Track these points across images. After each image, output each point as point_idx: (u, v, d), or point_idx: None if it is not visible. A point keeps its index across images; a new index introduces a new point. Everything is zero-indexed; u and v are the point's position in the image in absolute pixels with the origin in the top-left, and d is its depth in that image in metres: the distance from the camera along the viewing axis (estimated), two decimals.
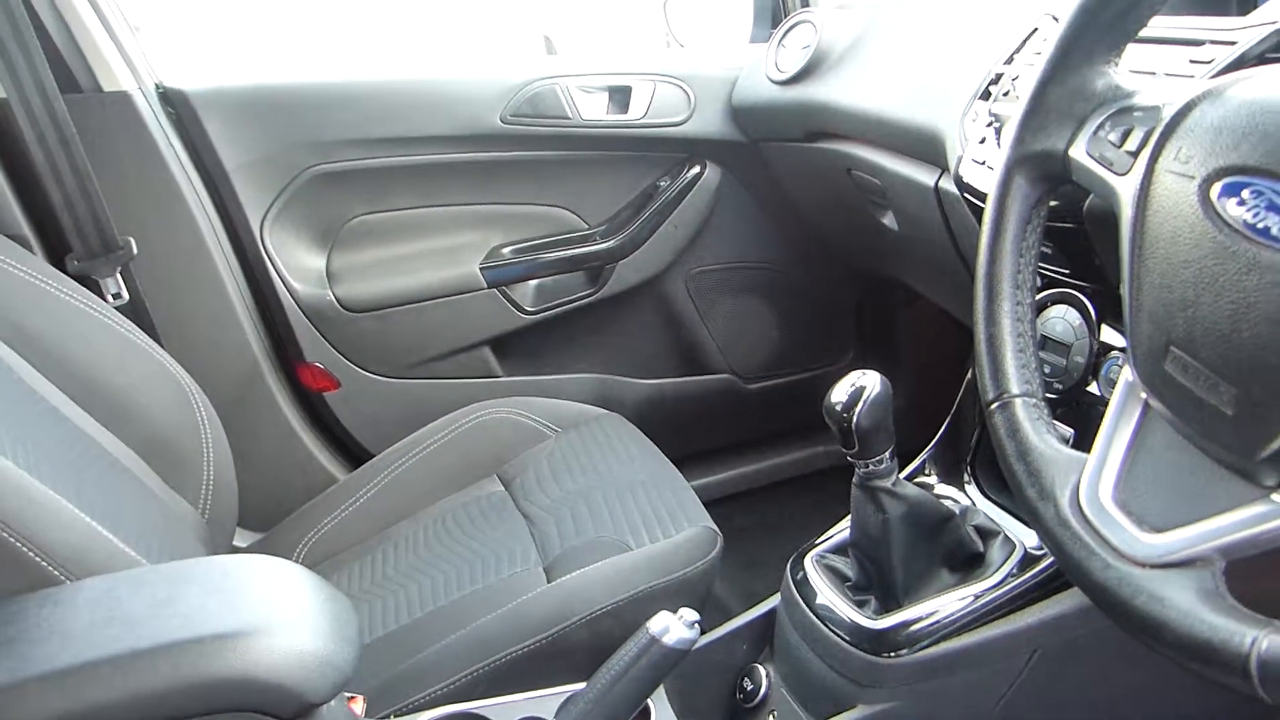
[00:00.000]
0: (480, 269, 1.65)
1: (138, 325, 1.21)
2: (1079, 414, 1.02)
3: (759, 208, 1.76)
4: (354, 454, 1.69)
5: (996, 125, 1.05)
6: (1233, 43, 0.87)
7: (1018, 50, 1.14)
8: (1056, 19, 1.11)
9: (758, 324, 1.85)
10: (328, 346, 1.63)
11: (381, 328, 1.63)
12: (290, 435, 1.65)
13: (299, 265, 1.60)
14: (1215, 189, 0.54)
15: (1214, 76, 0.85)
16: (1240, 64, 0.86)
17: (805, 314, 1.87)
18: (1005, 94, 1.08)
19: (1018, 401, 0.67)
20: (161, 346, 1.22)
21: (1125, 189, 0.61)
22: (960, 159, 1.10)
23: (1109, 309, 0.99)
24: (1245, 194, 0.52)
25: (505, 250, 1.68)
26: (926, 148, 1.25)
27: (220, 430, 1.22)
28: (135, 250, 1.39)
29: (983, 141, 1.07)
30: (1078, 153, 0.66)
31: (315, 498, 1.37)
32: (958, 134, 1.14)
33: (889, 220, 1.48)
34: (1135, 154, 0.61)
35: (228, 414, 1.25)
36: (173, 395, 1.19)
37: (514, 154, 1.63)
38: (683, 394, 1.84)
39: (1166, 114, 0.59)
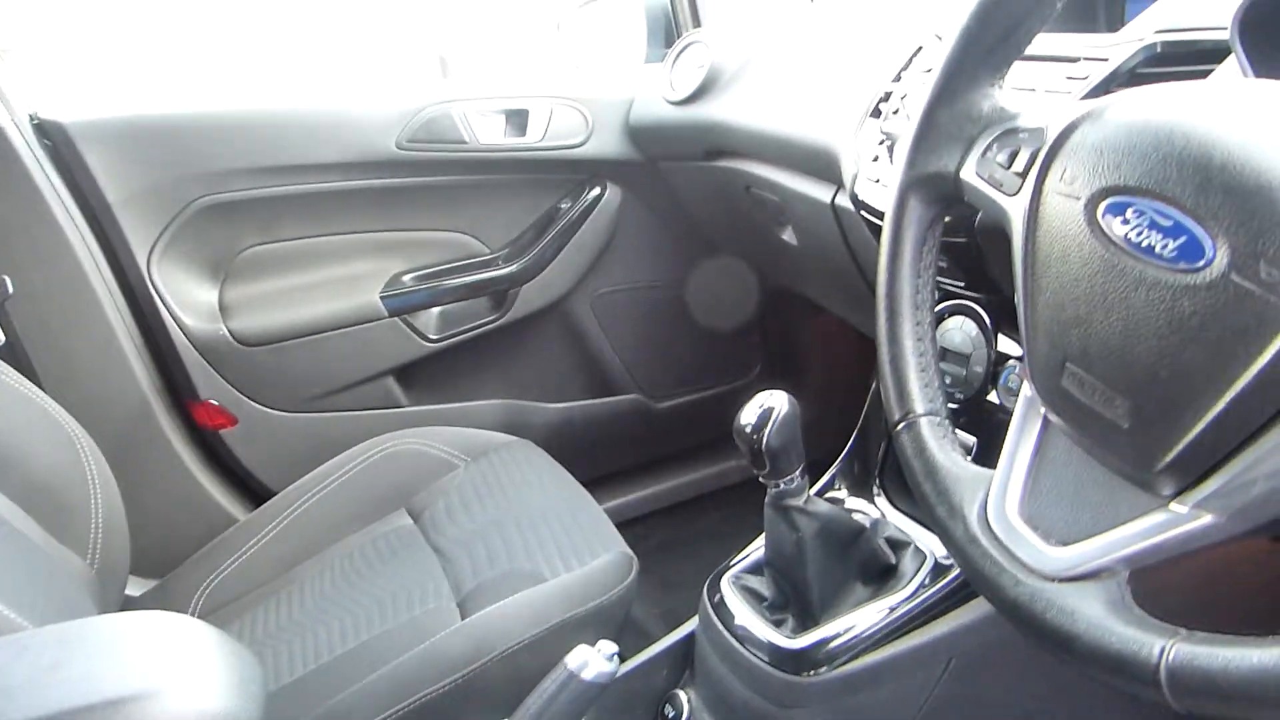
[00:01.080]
0: (380, 298, 1.61)
1: (15, 368, 1.14)
2: (980, 422, 1.04)
3: (660, 226, 1.76)
4: (254, 492, 1.63)
5: (889, 143, 1.07)
6: (1105, 59, 0.91)
7: (904, 68, 1.17)
8: (941, 38, 1.14)
9: (664, 342, 1.85)
10: (223, 382, 1.57)
11: (279, 361, 1.58)
12: (185, 476, 1.58)
13: (190, 299, 1.54)
14: (1100, 208, 0.55)
15: (1090, 93, 0.89)
16: (1114, 79, 0.89)
17: (710, 331, 1.89)
18: (895, 112, 1.10)
19: (922, 421, 0.68)
20: (42, 389, 1.16)
21: (1015, 210, 0.62)
22: (855, 177, 1.12)
23: (1004, 319, 1.01)
24: (1129, 213, 0.53)
25: (406, 278, 1.64)
26: (821, 165, 1.26)
27: (109, 475, 1.16)
28: (10, 289, 1.32)
29: (876, 159, 1.09)
30: (968, 174, 0.67)
31: (214, 540, 1.32)
32: (851, 152, 1.16)
33: (789, 235, 1.50)
34: (1023, 175, 0.62)
35: (117, 458, 1.19)
36: (55, 441, 1.13)
37: (411, 180, 1.60)
38: (592, 416, 1.83)
39: (1050, 135, 0.61)
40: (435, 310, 1.67)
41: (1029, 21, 0.65)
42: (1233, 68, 0.79)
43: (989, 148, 0.66)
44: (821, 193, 1.30)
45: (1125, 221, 0.54)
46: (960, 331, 1.05)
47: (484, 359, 1.73)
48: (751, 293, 1.86)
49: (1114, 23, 1.04)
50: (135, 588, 1.45)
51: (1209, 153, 0.51)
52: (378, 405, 1.67)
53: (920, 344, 0.71)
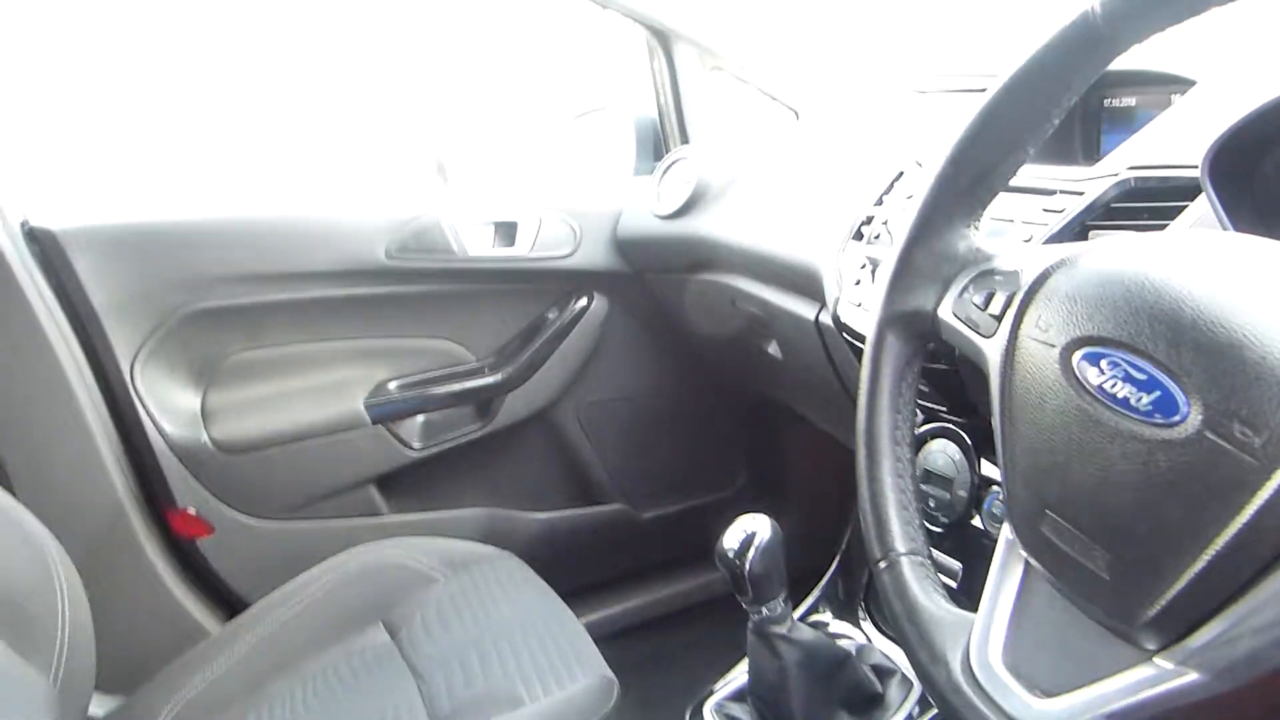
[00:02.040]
0: (365, 405, 1.61)
1: None
2: (964, 547, 1.04)
3: (646, 337, 1.77)
4: (229, 603, 1.59)
5: (870, 267, 1.08)
6: (1081, 193, 0.93)
7: (886, 192, 1.19)
8: (921, 165, 1.17)
9: (649, 453, 1.84)
10: (202, 490, 1.55)
11: (260, 468, 1.57)
12: (158, 586, 1.55)
13: (172, 406, 1.53)
14: (1075, 357, 0.55)
15: (1066, 226, 0.91)
16: (1090, 213, 0.91)
17: (695, 441, 1.88)
18: (877, 236, 1.12)
19: (904, 560, 0.67)
20: (14, 495, 1.14)
21: (992, 352, 0.62)
22: (838, 299, 1.13)
23: (986, 443, 1.01)
24: (1103, 364, 0.54)
25: (391, 385, 1.64)
26: (805, 283, 1.28)
27: (79, 587, 1.13)
28: None
29: (858, 283, 1.10)
30: (945, 313, 0.67)
31: (185, 654, 1.28)
32: (834, 273, 1.17)
33: (773, 349, 1.50)
34: (999, 318, 0.63)
35: (89, 567, 1.16)
36: (23, 550, 1.10)
37: (399, 289, 1.61)
38: (576, 526, 1.81)
39: (1025, 280, 0.62)
40: (419, 418, 1.66)
41: (1002, 167, 0.66)
42: (1203, 205, 0.81)
43: (965, 288, 0.66)
44: (806, 310, 1.31)
45: (1100, 372, 0.54)
46: (943, 454, 1.05)
47: (468, 467, 1.72)
48: (736, 404, 1.86)
49: (1090, 154, 1.07)
50: (99, 706, 1.41)
51: (1179, 308, 0.51)
52: (358, 513, 1.65)
53: (900, 480, 0.70)
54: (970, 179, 0.67)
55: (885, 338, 0.71)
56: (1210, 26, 0.71)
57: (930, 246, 0.69)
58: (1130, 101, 1.05)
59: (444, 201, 1.62)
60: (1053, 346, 0.57)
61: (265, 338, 1.57)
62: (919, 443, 1.07)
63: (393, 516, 1.67)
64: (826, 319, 1.24)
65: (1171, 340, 0.51)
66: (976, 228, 0.69)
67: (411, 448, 1.65)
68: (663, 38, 1.63)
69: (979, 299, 0.65)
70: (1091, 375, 0.54)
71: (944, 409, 1.03)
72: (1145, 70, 1.01)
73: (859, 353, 1.11)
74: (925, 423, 1.08)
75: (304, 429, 1.57)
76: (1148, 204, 0.87)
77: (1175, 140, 0.89)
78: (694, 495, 1.90)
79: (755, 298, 1.44)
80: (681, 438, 1.86)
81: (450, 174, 4.57)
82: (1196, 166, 0.80)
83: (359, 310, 1.61)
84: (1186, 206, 0.84)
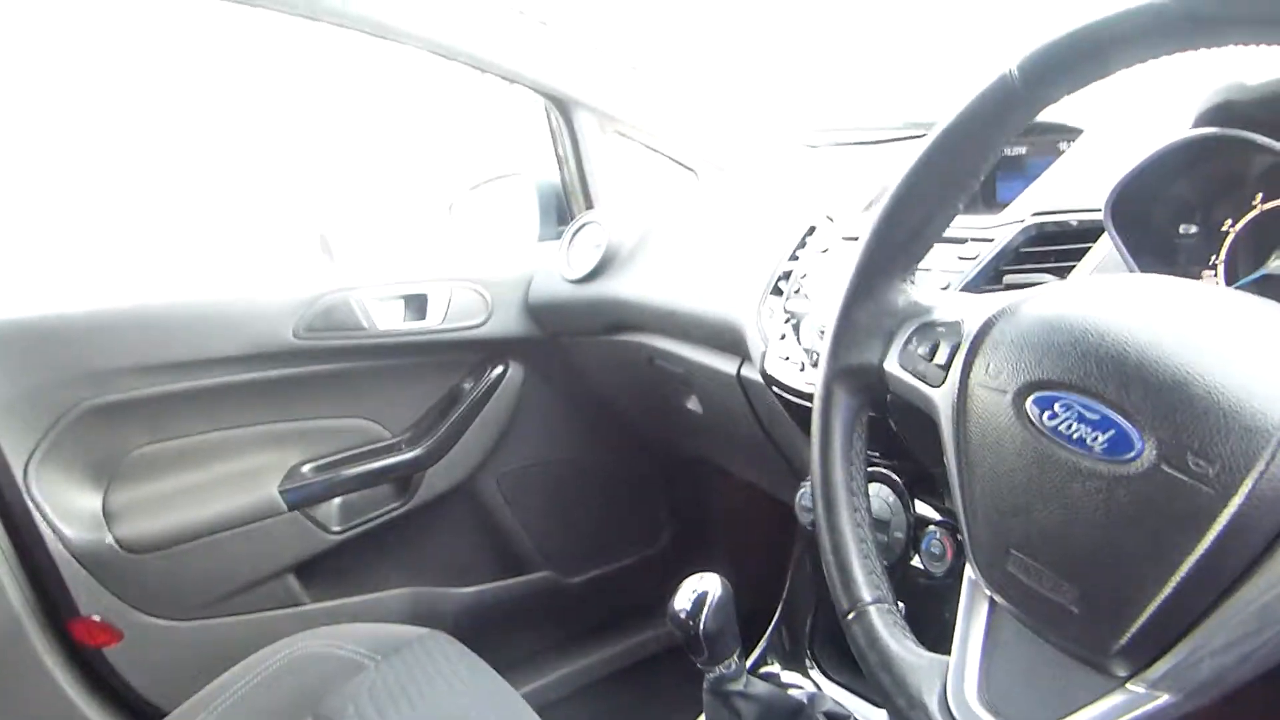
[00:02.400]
0: (279, 491, 1.55)
1: None
2: (904, 587, 1.05)
3: (564, 401, 1.77)
4: (143, 714, 1.50)
5: (794, 321, 1.11)
6: (991, 239, 0.97)
7: (800, 247, 1.23)
8: (832, 219, 1.21)
9: (572, 516, 1.83)
10: (107, 595, 1.46)
11: (170, 567, 1.49)
12: (61, 702, 1.45)
13: (71, 508, 1.45)
14: (1027, 402, 0.58)
15: (981, 270, 0.95)
16: (1001, 258, 0.96)
17: (618, 501, 1.88)
18: (797, 291, 1.15)
19: (872, 610, 0.68)
20: None
21: (942, 401, 0.65)
22: (764, 354, 1.15)
23: (920, 485, 1.04)
24: (1056, 406, 0.56)
25: (306, 469, 1.59)
26: (725, 339, 1.30)
27: None
28: None
29: (783, 338, 1.12)
30: (891, 366, 0.70)
31: None
32: (755, 329, 1.20)
33: (693, 404, 1.52)
34: (945, 367, 0.65)
35: None
36: None
37: (309, 369, 1.57)
38: (504, 597, 1.78)
39: (968, 329, 0.64)
40: (337, 500, 1.61)
41: (934, 223, 0.69)
42: (1106, 246, 0.86)
43: (909, 340, 0.69)
44: (726, 365, 1.33)
45: (1053, 415, 0.57)
46: (878, 498, 1.07)
47: (389, 547, 1.67)
48: (658, 461, 1.87)
49: (989, 201, 1.12)
50: None
51: (1124, 350, 0.54)
52: (278, 605, 1.58)
53: (860, 530, 0.72)
54: (904, 236, 0.70)
55: (834, 393, 0.73)
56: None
57: (870, 302, 0.71)
58: (1021, 150, 1.11)
59: (351, 277, 1.59)
60: (1004, 393, 0.60)
61: (170, 429, 1.51)
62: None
63: (314, 605, 1.61)
64: (749, 373, 1.26)
65: (1120, 381, 0.53)
66: (913, 281, 0.72)
67: (330, 531, 1.60)
68: (562, 105, 1.65)
69: (924, 350, 0.67)
70: (1045, 418, 0.57)
71: (876, 454, 1.05)
72: (1035, 120, 1.07)
73: (788, 405, 1.14)
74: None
75: (216, 521, 1.51)
76: (1054, 247, 0.92)
77: (1073, 186, 0.95)
78: (620, 555, 1.89)
79: (674, 355, 1.46)
80: (604, 499, 1.85)
81: (335, 249, 4.50)
82: (1098, 210, 0.85)
83: (268, 393, 1.56)
84: (1090, 248, 0.89)
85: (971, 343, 0.63)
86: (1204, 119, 0.78)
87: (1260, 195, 0.80)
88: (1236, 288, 0.81)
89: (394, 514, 1.65)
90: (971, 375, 0.62)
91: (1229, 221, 0.82)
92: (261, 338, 1.51)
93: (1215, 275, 0.83)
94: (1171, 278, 0.61)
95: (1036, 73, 0.60)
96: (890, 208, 0.69)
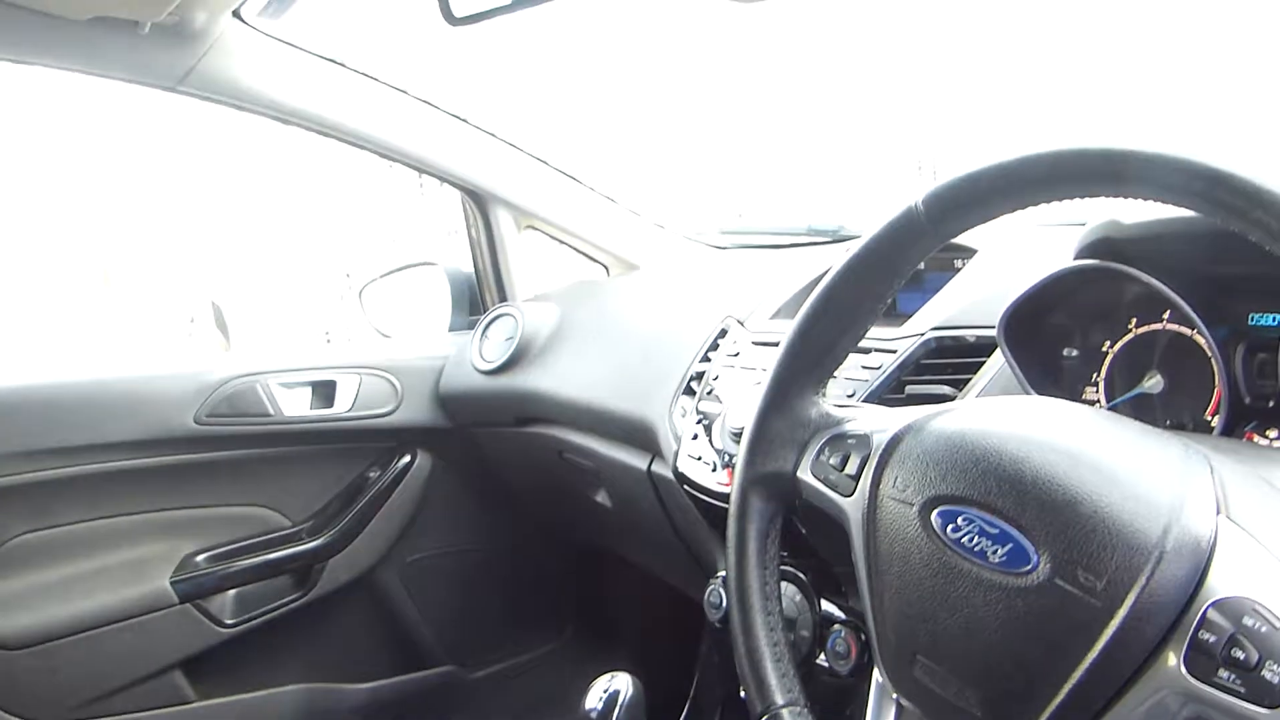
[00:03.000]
0: (171, 582, 1.49)
1: None
2: (810, 685, 1.07)
3: (471, 491, 1.76)
4: None
5: (705, 423, 1.14)
6: (894, 350, 1.03)
7: (712, 349, 1.27)
8: (743, 323, 1.25)
9: (476, 608, 1.80)
10: None
11: (47, 664, 1.41)
12: None
13: None
14: (933, 514, 0.62)
15: (884, 381, 1.00)
16: (903, 369, 1.01)
17: (524, 593, 1.86)
18: (709, 392, 1.18)
19: (785, 713, 0.70)
20: None
21: (853, 510, 0.68)
22: (676, 454, 1.18)
23: (825, 584, 1.07)
24: (960, 520, 0.60)
25: (200, 558, 1.54)
26: (637, 435, 1.33)
27: None
28: None
29: (695, 438, 1.15)
30: (804, 474, 0.73)
31: None
32: (667, 428, 1.23)
33: (603, 498, 1.53)
34: (856, 478, 0.69)
35: None
36: None
37: (209, 455, 1.53)
38: (404, 694, 1.73)
39: (877, 442, 0.68)
40: (231, 592, 1.56)
41: (844, 340, 0.74)
42: (1000, 361, 0.92)
43: (821, 450, 0.72)
44: (637, 461, 1.35)
45: (957, 528, 0.60)
46: (785, 597, 1.10)
47: (285, 641, 1.62)
48: (564, 553, 1.87)
49: (891, 312, 1.19)
50: None
51: (1020, 469, 0.58)
52: (163, 704, 1.50)
53: (773, 634, 0.74)
54: (817, 352, 0.74)
55: (749, 499, 0.76)
56: None
57: (785, 413, 0.75)
58: (920, 265, 1.17)
59: (258, 362, 1.57)
60: (911, 505, 0.63)
61: (54, 517, 1.44)
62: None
63: (202, 703, 1.54)
64: (660, 469, 1.29)
65: (1017, 499, 0.58)
66: (824, 394, 0.76)
67: (223, 624, 1.54)
68: (478, 199, 1.68)
69: (835, 460, 0.71)
70: (949, 530, 0.61)
71: (784, 553, 1.08)
72: None
73: (699, 504, 1.16)
74: None
75: (99, 614, 1.44)
76: (952, 360, 0.98)
77: (970, 304, 1.01)
78: (524, 649, 1.86)
79: (584, 449, 1.47)
80: (509, 590, 1.83)
81: (229, 319, 4.41)
82: (992, 327, 0.91)
83: (164, 479, 1.51)
84: (985, 362, 0.96)
85: (880, 456, 0.67)
86: (1085, 251, 0.85)
87: (1134, 320, 0.88)
88: (1114, 405, 0.87)
89: (291, 606, 1.60)
90: (880, 487, 0.66)
91: (1108, 343, 0.89)
92: (160, 423, 1.47)
93: (1097, 392, 0.89)
94: (1061, 401, 0.66)
95: (939, 208, 0.65)
96: (803, 325, 0.73)
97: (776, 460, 0.75)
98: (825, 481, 0.71)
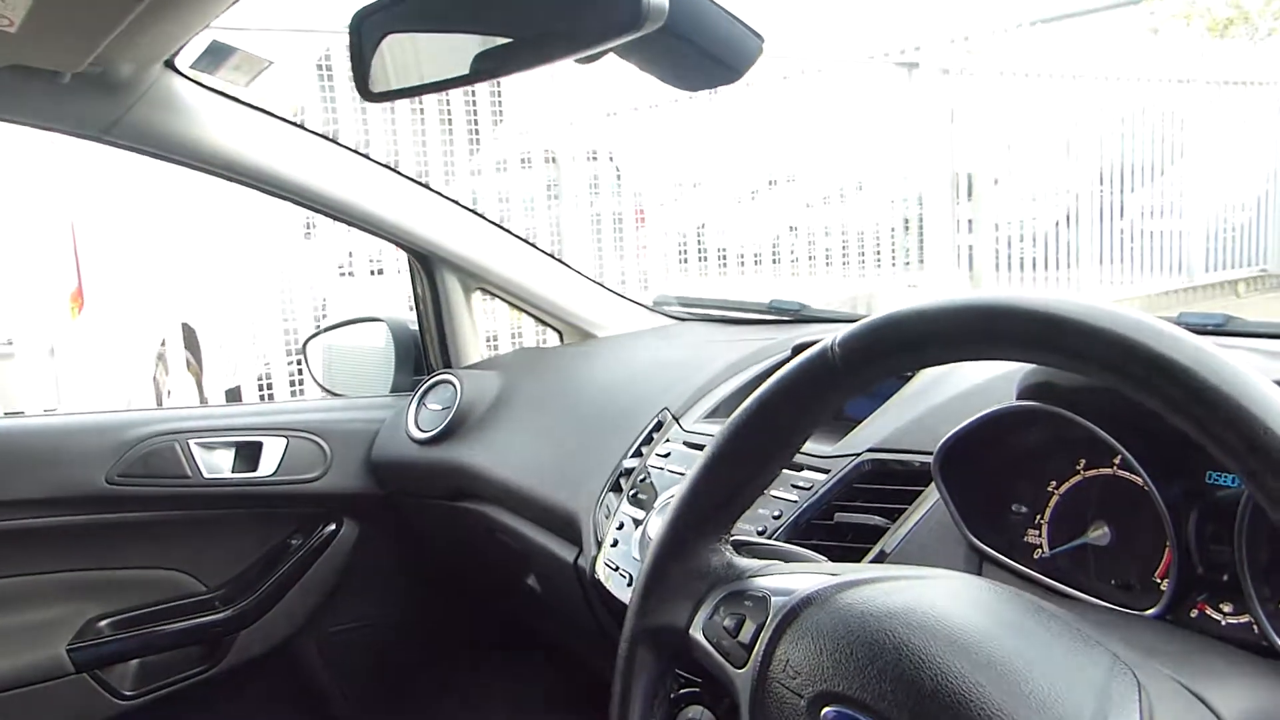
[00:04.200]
0: (68, 650, 1.40)
1: None
2: None
3: (398, 562, 1.68)
4: None
5: (630, 526, 1.07)
6: (827, 470, 0.96)
7: (645, 443, 1.19)
8: (677, 419, 1.18)
9: (399, 685, 1.71)
10: None
11: None
12: None
13: None
14: (824, 712, 0.54)
15: (814, 502, 0.92)
16: (832, 492, 0.93)
17: (448, 671, 1.76)
18: (634, 494, 1.11)
19: None
20: None
21: (742, 684, 0.61)
22: (594, 560, 1.10)
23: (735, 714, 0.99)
24: None
25: (103, 624, 1.45)
26: (564, 526, 1.25)
27: None
28: None
29: (615, 544, 1.08)
30: (696, 633, 0.65)
31: None
32: (590, 525, 1.15)
33: (532, 581, 1.45)
34: (748, 648, 0.61)
35: None
36: None
37: (120, 515, 1.44)
38: None
39: (775, 608, 0.61)
40: (134, 662, 1.46)
41: (752, 484, 0.66)
42: (934, 493, 0.85)
43: (716, 609, 0.65)
44: (565, 551, 1.27)
45: None
46: None
47: (190, 716, 1.52)
48: (492, 632, 1.78)
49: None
50: None
51: (920, 675, 0.51)
52: None
53: None
54: (721, 496, 0.66)
55: (637, 653, 0.68)
56: None
57: (682, 560, 0.67)
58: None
59: (179, 421, 1.48)
60: (800, 697, 0.56)
61: None
62: (673, 708, 1.03)
63: None
64: (585, 563, 1.21)
65: (913, 711, 0.50)
66: (729, 540, 0.68)
67: (122, 696, 1.44)
68: (423, 259, 1.61)
69: (729, 623, 0.63)
70: None
71: (699, 679, 1.00)
72: None
73: (615, 612, 1.08)
74: (682, 688, 1.05)
75: None
76: (887, 487, 0.91)
77: (913, 422, 0.94)
78: None
79: (514, 531, 1.39)
80: (433, 668, 1.74)
81: (201, 340, 4.32)
82: (929, 455, 0.84)
83: (69, 540, 1.43)
84: (921, 491, 0.88)
85: (775, 629, 0.59)
86: (1026, 393, 0.78)
87: (1083, 461, 0.80)
88: (1055, 554, 0.80)
89: (198, 678, 1.50)
90: (771, 667, 0.58)
91: (1053, 484, 0.82)
92: (68, 481, 1.39)
93: (1039, 536, 0.82)
94: (984, 583, 0.59)
95: (852, 355, 0.58)
96: (707, 468, 0.66)
97: (669, 613, 0.67)
98: (717, 646, 0.64)
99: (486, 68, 0.80)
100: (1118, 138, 7.19)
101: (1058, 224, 7.09)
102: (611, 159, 5.43)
